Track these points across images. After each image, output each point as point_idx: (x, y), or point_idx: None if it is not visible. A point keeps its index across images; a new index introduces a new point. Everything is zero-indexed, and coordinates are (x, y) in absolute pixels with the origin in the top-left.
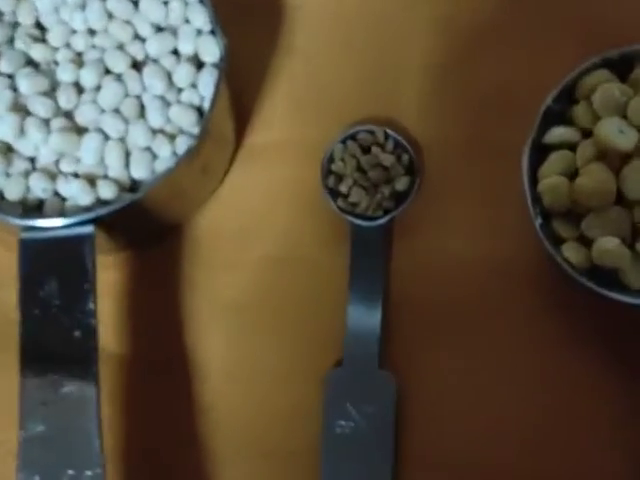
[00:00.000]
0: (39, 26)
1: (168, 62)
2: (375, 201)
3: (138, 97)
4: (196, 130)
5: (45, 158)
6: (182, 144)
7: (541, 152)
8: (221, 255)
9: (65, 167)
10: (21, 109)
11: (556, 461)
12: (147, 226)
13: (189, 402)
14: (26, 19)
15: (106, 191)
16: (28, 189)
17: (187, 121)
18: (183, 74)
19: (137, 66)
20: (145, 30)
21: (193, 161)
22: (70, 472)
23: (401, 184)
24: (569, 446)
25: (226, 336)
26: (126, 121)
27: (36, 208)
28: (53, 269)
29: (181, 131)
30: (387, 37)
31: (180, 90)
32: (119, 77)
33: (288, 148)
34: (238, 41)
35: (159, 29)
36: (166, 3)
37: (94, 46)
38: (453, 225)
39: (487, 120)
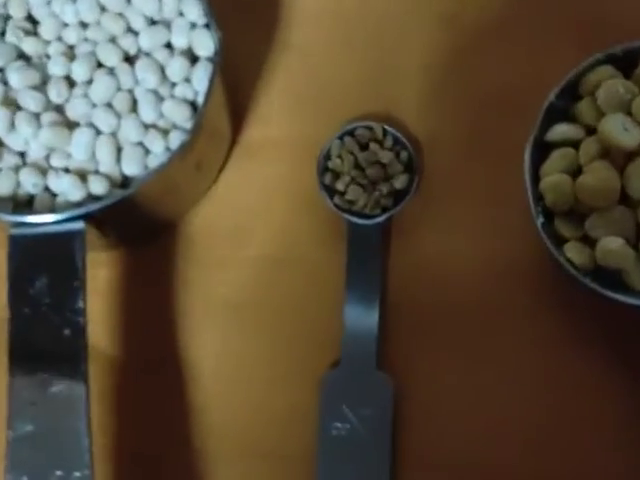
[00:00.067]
0: (30, 19)
1: (161, 56)
2: (373, 199)
3: (130, 91)
4: (190, 125)
5: (35, 153)
6: (175, 139)
7: (543, 150)
8: (216, 253)
9: (56, 162)
10: (11, 103)
11: (557, 462)
12: (139, 223)
13: (181, 402)
14: (17, 12)
15: (97, 187)
16: (18, 184)
17: (180, 116)
18: (177, 68)
19: (130, 60)
20: (138, 23)
21: (187, 157)
22: (58, 473)
23: (400, 182)
24: (571, 447)
25: (220, 335)
26: (118, 116)
27: (26, 204)
28: (43, 266)
29: (174, 126)
30: (386, 33)
31: (173, 84)
32: (111, 71)
33: (284, 145)
34: (234, 35)
35: (152, 22)
36: None
37: (86, 39)
38: (453, 224)
39: (488, 117)
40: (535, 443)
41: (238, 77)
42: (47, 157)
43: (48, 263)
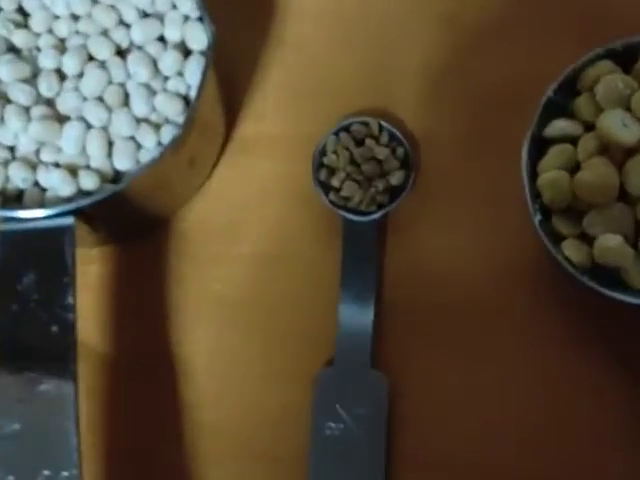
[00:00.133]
0: (21, 11)
1: (154, 49)
2: (368, 195)
3: (122, 85)
4: (182, 120)
5: (25, 147)
6: (167, 134)
7: (541, 146)
8: (209, 250)
9: (46, 157)
10: (1, 96)
11: (554, 461)
12: (131, 219)
13: (174, 400)
14: (8, 4)
15: (88, 182)
16: (7, 179)
17: (173, 110)
18: (169, 62)
19: (122, 53)
20: (130, 15)
21: (179, 152)
22: (46, 472)
23: (396, 178)
24: (568, 446)
25: (213, 332)
26: (109, 109)
27: (15, 199)
28: (32, 262)
29: (167, 121)
30: (384, 29)
31: (166, 78)
32: (103, 64)
33: (279, 141)
34: (228, 29)
35: (145, 15)
36: None
37: (77, 32)
38: (449, 221)
39: (486, 114)
40: (531, 442)
41: (232, 72)
42: (37, 151)
43: (37, 259)
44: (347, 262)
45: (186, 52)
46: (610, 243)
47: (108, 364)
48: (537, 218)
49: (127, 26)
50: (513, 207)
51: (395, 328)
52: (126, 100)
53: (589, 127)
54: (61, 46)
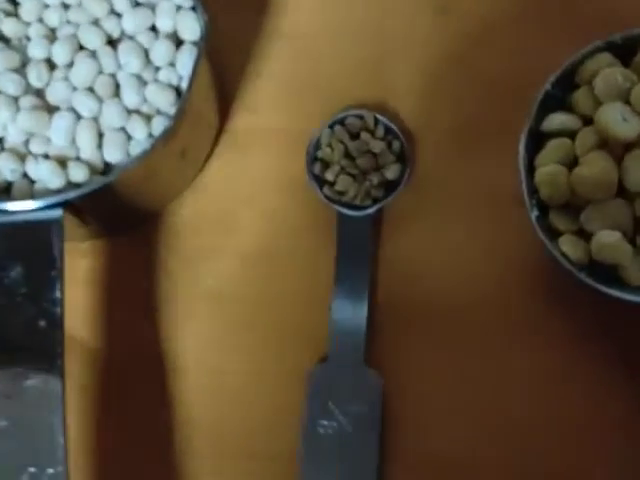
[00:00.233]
0: (11, 0)
1: (145, 39)
2: (363, 189)
3: (113, 75)
4: (173, 111)
5: (14, 138)
6: (159, 125)
7: (539, 140)
8: (201, 244)
9: (35, 148)
10: None
11: (552, 460)
12: (121, 212)
13: (163, 396)
14: None
15: (77, 174)
16: None
17: (164, 101)
18: (161, 52)
19: (113, 43)
20: (122, 5)
21: (170, 144)
22: (31, 469)
23: (391, 172)
24: (567, 445)
25: (204, 328)
26: (99, 100)
27: (4, 191)
28: (19, 255)
29: (158, 112)
30: (380, 21)
31: (157, 69)
32: (93, 54)
33: (273, 134)
34: (221, 20)
35: (136, 4)
36: None
37: (68, 21)
38: (445, 217)
39: (483, 108)
40: (528, 440)
41: (226, 63)
42: (26, 142)
43: (25, 252)
44: (341, 257)
45: (178, 42)
46: (608, 239)
47: (97, 359)
48: (534, 214)
49: (118, 15)
50: (510, 202)
51: (390, 325)
52: (117, 91)
53: (587, 121)
54: (51, 36)
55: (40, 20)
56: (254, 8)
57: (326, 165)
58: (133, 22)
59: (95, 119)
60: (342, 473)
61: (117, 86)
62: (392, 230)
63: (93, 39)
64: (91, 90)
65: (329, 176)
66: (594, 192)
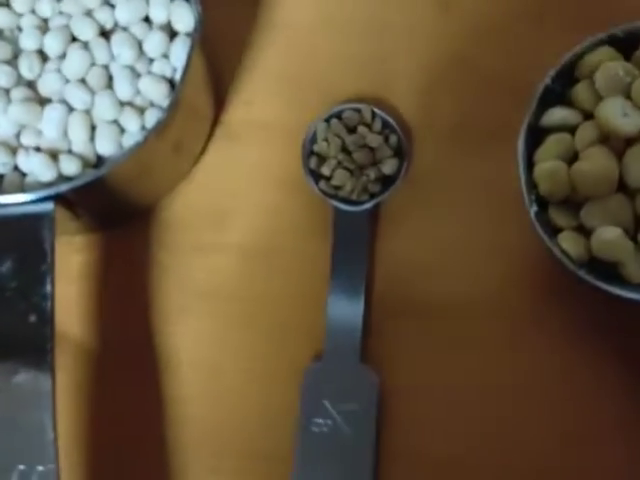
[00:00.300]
0: None
1: (139, 30)
2: (360, 184)
3: (106, 67)
4: (167, 103)
5: (5, 130)
6: (152, 118)
7: (538, 135)
8: (194, 239)
9: (26, 140)
10: None
11: (550, 459)
12: (114, 206)
13: (157, 394)
14: None
15: (69, 166)
16: None
17: (158, 93)
18: (155, 43)
19: (106, 34)
20: None
21: (164, 136)
22: (21, 467)
23: (388, 167)
24: (566, 444)
25: (197, 325)
26: (92, 92)
27: None
28: (9, 249)
29: (151, 104)
30: (378, 15)
31: (151, 60)
32: (86, 45)
33: (269, 127)
34: (216, 11)
35: None
36: None
37: (60, 12)
38: (443, 212)
39: (482, 102)
40: (525, 439)
41: (221, 55)
42: (17, 135)
43: (15, 246)
44: (337, 253)
45: (172, 34)
46: (608, 236)
47: (90, 355)
48: (533, 209)
49: (112, 6)
50: (509, 197)
51: (386, 322)
52: (109, 82)
53: (588, 116)
54: (44, 26)
55: (32, 11)
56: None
57: (322, 159)
58: (126, 13)
59: (87, 111)
60: (337, 472)
61: (110, 78)
62: (389, 226)
63: (86, 30)
64: (83, 82)
65: (325, 171)
66: (594, 188)
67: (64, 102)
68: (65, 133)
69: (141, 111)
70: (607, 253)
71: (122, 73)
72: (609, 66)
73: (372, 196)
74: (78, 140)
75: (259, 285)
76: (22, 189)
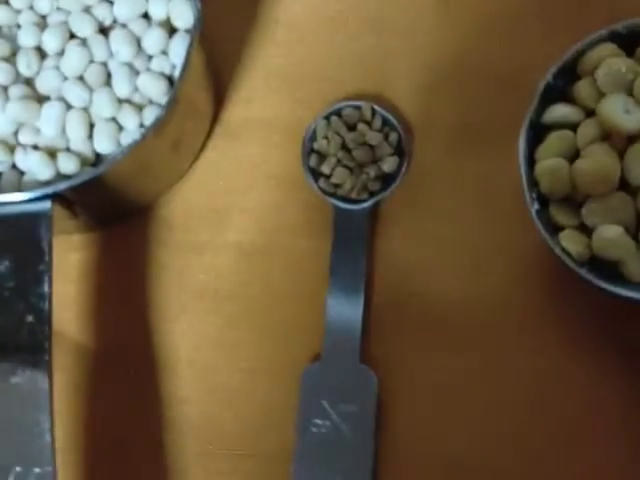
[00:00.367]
0: None
1: (137, 27)
2: (360, 182)
3: (104, 64)
4: (165, 100)
5: (3, 128)
6: (150, 115)
7: (539, 133)
8: (193, 238)
9: (24, 138)
10: None
11: (550, 459)
12: (112, 204)
13: (155, 394)
14: None
15: (67, 165)
16: None
17: (156, 91)
18: (153, 40)
19: (104, 31)
20: None
21: (162, 134)
22: (18, 469)
23: (388, 165)
24: (566, 443)
25: (196, 324)
26: (90, 89)
27: None
28: (7, 248)
29: (150, 101)
30: (379, 10)
31: (150, 57)
32: (84, 42)
33: (268, 125)
34: (215, 7)
35: None
36: None
37: (59, 8)
38: (443, 210)
39: (483, 99)
40: (527, 440)
41: (220, 52)
42: (15, 133)
43: (12, 245)
44: (337, 252)
45: (171, 30)
46: (610, 234)
47: (88, 354)
48: (534, 208)
49: (110, 2)
50: (509, 195)
51: (385, 322)
52: (108, 80)
53: (589, 113)
54: (42, 23)
55: (31, 7)
56: None
57: (322, 157)
58: (125, 9)
59: (86, 109)
60: (336, 472)
61: (108, 75)
62: (389, 224)
63: (84, 27)
64: (82, 79)
65: (325, 169)
66: (595, 186)
67: (62, 100)
68: (63, 131)
69: (140, 109)
70: (608, 251)
71: (121, 70)
72: (611, 63)
73: (372, 194)
74: (76, 138)
75: (258, 284)
76: (20, 188)
